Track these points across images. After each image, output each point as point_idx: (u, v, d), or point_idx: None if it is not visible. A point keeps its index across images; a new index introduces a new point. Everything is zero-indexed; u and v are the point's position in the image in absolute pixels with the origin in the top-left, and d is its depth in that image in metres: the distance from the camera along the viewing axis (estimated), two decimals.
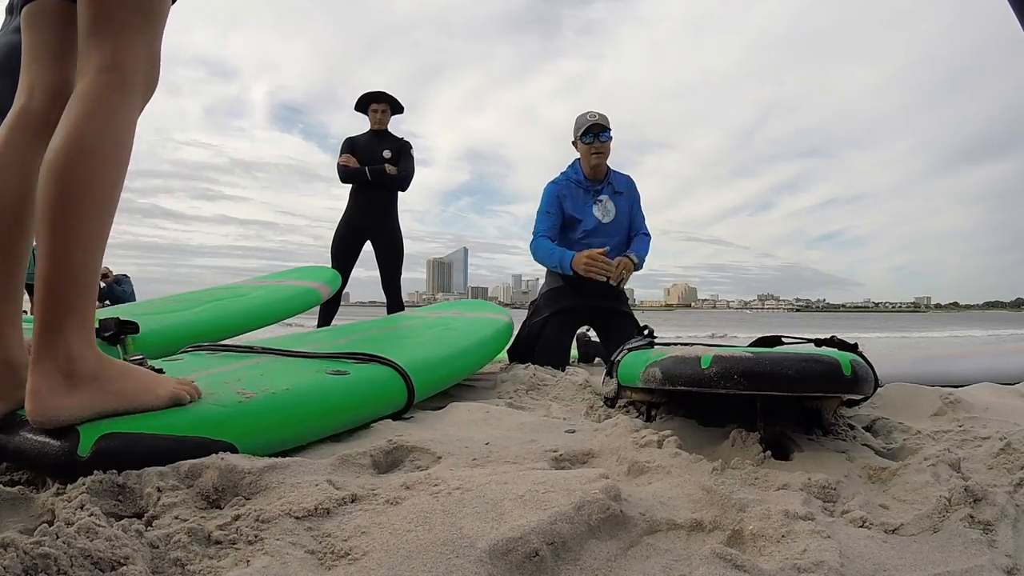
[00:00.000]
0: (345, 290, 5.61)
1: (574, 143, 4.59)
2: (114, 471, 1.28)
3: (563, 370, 3.70)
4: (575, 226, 4.51)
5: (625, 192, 4.60)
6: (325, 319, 5.73)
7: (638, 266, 4.41)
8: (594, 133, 4.43)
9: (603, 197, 4.52)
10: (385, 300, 6.10)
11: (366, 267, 6.09)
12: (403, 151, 5.97)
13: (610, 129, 4.46)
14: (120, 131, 1.44)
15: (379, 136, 6.00)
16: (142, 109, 1.52)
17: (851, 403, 2.19)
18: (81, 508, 1.16)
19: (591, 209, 4.49)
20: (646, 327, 2.81)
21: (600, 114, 4.49)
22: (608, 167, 4.60)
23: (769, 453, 1.66)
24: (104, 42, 1.44)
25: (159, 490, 1.24)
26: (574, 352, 5.20)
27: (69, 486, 1.26)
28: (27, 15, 1.63)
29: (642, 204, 4.72)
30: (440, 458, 1.60)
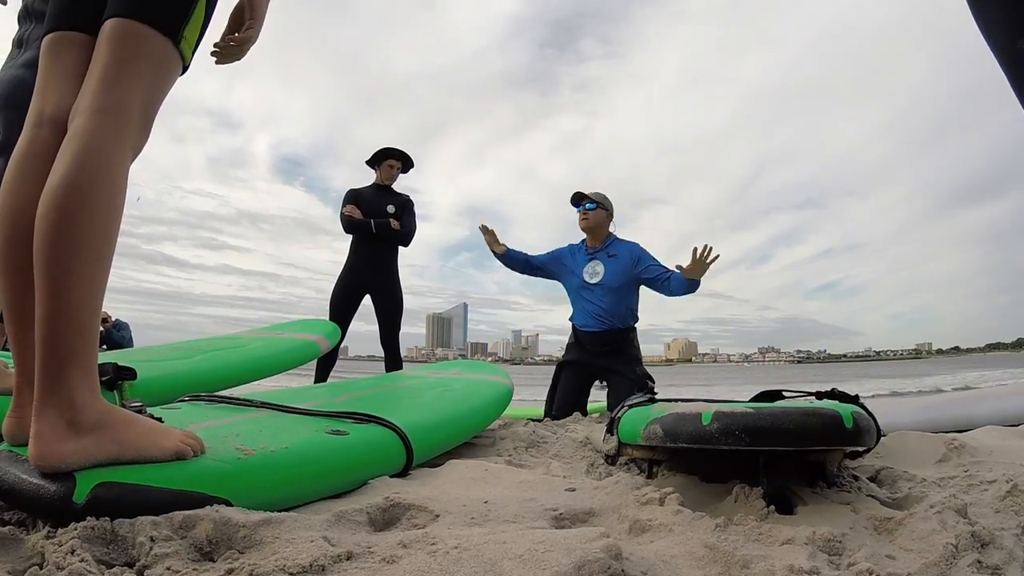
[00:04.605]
0: (344, 344, 5.60)
1: None
2: (107, 518, 1.27)
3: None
4: (571, 280, 5.30)
5: (621, 254, 5.14)
6: (322, 373, 5.68)
7: (690, 285, 4.82)
8: (577, 202, 5.31)
9: (594, 261, 5.20)
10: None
11: (366, 321, 6.09)
12: (406, 208, 6.04)
13: (596, 202, 5.21)
14: (114, 172, 1.45)
15: (383, 191, 6.05)
16: (133, 159, 1.54)
17: (855, 454, 2.17)
18: (72, 553, 1.15)
19: (582, 269, 5.21)
20: (646, 384, 2.80)
21: (594, 192, 5.28)
22: (612, 235, 5.32)
23: (773, 508, 1.64)
24: (110, 86, 1.47)
25: (152, 540, 1.23)
26: (599, 404, 5.38)
27: (60, 530, 1.25)
28: (48, 42, 1.67)
29: (653, 255, 5.17)
30: (438, 516, 1.58)
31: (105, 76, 1.48)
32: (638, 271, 5.07)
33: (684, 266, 4.69)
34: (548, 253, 5.50)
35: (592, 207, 5.21)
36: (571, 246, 5.42)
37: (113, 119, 1.46)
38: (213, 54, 1.96)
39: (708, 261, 4.65)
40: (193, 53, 1.65)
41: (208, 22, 1.67)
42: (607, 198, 5.28)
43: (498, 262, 5.55)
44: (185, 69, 1.65)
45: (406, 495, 1.71)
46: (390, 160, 6.09)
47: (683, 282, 4.80)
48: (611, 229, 5.34)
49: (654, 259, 5.12)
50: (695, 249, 4.63)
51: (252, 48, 1.99)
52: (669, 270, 4.96)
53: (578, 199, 5.30)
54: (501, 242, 5.48)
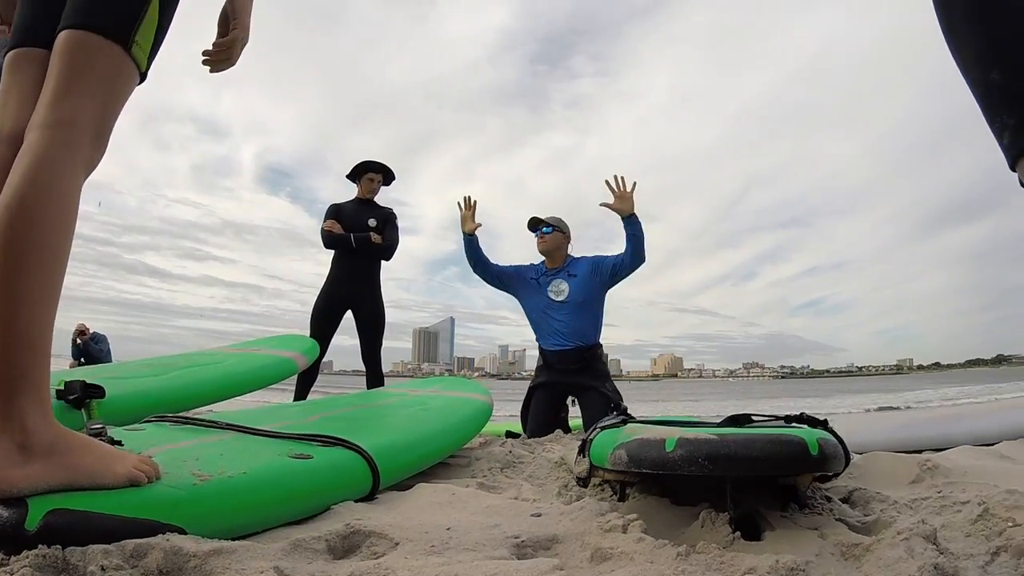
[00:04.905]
0: (328, 359, 5.57)
1: None
2: (59, 546, 1.25)
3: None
4: (535, 301, 5.32)
5: (581, 271, 5.24)
6: (302, 390, 5.65)
7: (633, 218, 4.96)
8: (534, 227, 5.39)
9: (557, 280, 5.26)
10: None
11: (350, 335, 6.05)
12: (388, 221, 6.00)
13: (552, 226, 5.30)
14: (64, 188, 1.44)
15: (365, 204, 6.03)
16: (86, 175, 1.53)
17: (824, 478, 2.15)
18: None
19: (546, 289, 5.27)
20: (619, 404, 2.78)
21: (550, 216, 5.37)
22: (570, 256, 5.40)
23: (738, 534, 1.62)
24: (61, 100, 1.47)
25: (103, 568, 1.21)
26: (578, 422, 5.29)
27: (12, 558, 1.23)
28: (10, 59, 1.67)
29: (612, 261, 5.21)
30: (398, 544, 1.55)
31: (56, 90, 1.48)
32: (600, 274, 5.20)
33: (610, 204, 4.95)
34: (512, 266, 5.55)
35: (548, 231, 5.33)
36: (532, 266, 5.50)
37: (64, 133, 1.46)
38: (204, 63, 1.95)
39: (630, 191, 4.93)
40: (150, 59, 1.64)
41: (165, 27, 1.66)
42: (563, 222, 5.43)
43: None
44: (143, 76, 1.64)
45: (368, 521, 1.69)
46: (370, 173, 6.08)
47: (628, 237, 5.00)
48: (569, 251, 5.45)
49: (607, 255, 5.26)
50: (607, 183, 4.96)
51: (243, 52, 1.97)
52: (620, 253, 5.13)
53: (535, 224, 5.40)
54: (477, 222, 5.36)
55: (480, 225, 5.35)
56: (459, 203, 5.41)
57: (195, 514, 1.51)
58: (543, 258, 5.42)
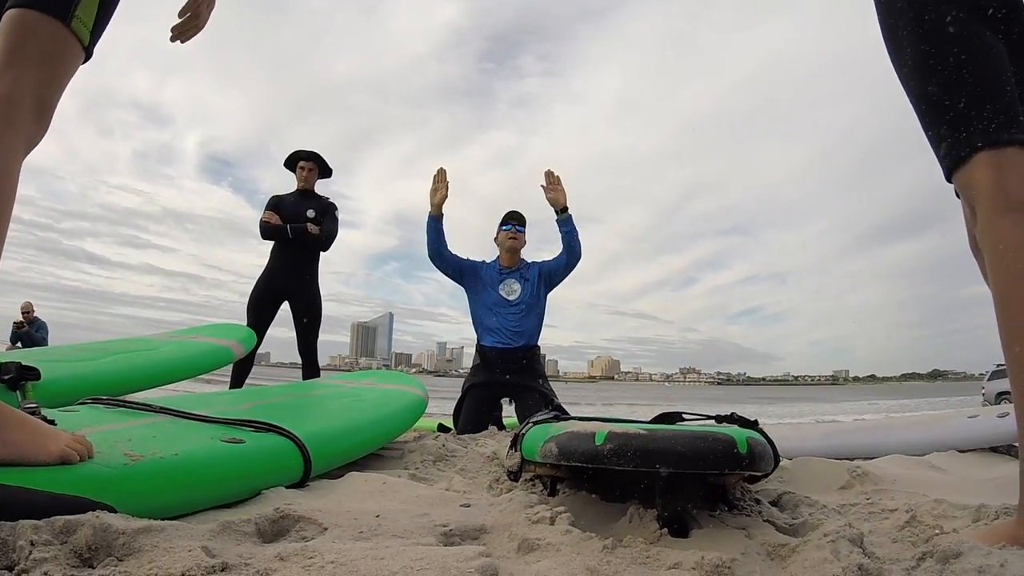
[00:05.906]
0: (266, 350, 5.53)
1: (496, 239, 5.50)
2: None
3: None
4: (486, 297, 5.35)
5: (531, 276, 5.38)
6: (238, 379, 5.58)
7: (568, 215, 5.27)
8: (512, 223, 5.40)
9: (510, 280, 5.35)
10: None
11: (288, 327, 6.00)
12: (327, 212, 5.98)
13: (525, 226, 5.43)
14: (1, 164, 1.44)
15: (304, 196, 6.00)
16: (26, 151, 1.52)
17: (753, 479, 2.16)
18: None
19: (497, 287, 5.33)
20: (552, 400, 2.81)
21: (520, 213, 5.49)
22: (523, 259, 5.49)
23: (665, 531, 1.63)
24: (3, 74, 1.46)
25: (32, 544, 1.21)
26: (513, 420, 5.29)
27: None
28: None
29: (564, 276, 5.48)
30: (326, 529, 1.56)
31: (2, 62, 1.47)
32: (544, 279, 5.37)
33: (547, 196, 5.25)
34: (469, 260, 5.50)
35: (522, 230, 5.42)
36: (485, 263, 5.49)
37: (4, 108, 1.45)
38: (173, 39, 1.94)
39: (560, 182, 5.26)
40: (94, 34, 1.63)
41: (111, 2, 1.65)
42: None
43: (427, 266, 5.41)
44: (88, 53, 1.63)
45: (298, 506, 1.69)
46: (300, 162, 6.08)
47: (563, 237, 5.27)
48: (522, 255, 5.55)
49: (547, 260, 5.46)
50: (545, 174, 5.30)
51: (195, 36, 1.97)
52: (556, 257, 5.38)
53: (515, 218, 5.44)
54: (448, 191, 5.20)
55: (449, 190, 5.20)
56: (435, 175, 5.24)
57: (125, 493, 1.52)
58: (492, 257, 5.47)
